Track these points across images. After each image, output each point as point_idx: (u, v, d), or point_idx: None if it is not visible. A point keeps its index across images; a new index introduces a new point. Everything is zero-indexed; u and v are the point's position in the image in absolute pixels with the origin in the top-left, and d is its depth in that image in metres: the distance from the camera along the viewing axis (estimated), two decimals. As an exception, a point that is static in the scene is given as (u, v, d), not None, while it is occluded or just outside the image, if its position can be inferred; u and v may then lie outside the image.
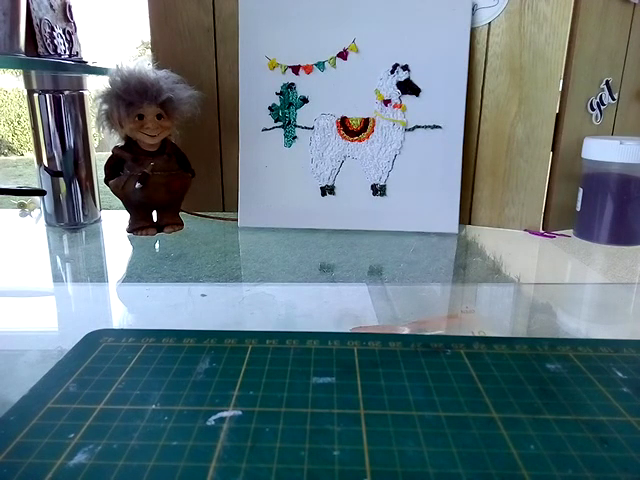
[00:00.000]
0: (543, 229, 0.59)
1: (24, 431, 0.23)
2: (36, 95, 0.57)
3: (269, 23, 0.58)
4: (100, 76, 0.58)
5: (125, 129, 0.53)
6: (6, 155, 6.27)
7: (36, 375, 0.27)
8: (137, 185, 0.53)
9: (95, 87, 0.57)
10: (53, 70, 0.56)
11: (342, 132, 0.59)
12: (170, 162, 0.56)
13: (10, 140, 6.41)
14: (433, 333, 0.34)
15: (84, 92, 0.59)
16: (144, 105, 0.52)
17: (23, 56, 0.53)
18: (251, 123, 0.60)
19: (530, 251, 0.56)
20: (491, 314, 0.38)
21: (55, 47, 0.60)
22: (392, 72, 0.57)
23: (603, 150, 0.53)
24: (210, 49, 0.62)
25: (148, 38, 0.62)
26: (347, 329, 0.34)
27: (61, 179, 0.59)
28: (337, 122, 0.59)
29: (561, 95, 0.56)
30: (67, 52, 0.63)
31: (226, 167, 0.65)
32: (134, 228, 0.56)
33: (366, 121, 0.58)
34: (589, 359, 0.29)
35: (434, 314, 0.38)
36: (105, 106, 0.53)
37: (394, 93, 0.58)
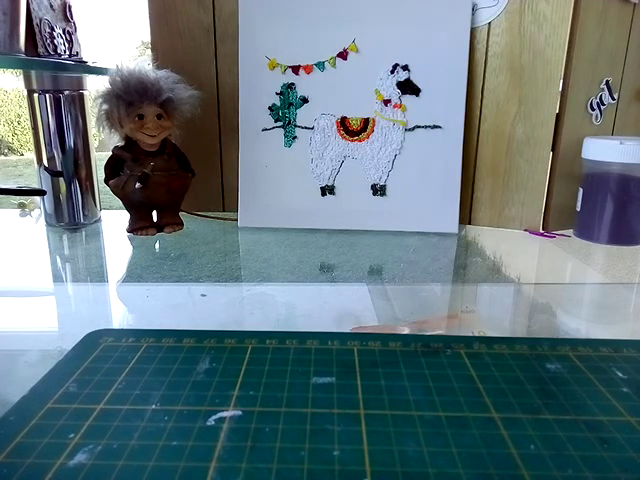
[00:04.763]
0: (543, 229, 0.59)
1: (24, 431, 0.23)
2: (36, 95, 0.57)
3: (269, 23, 0.58)
4: (100, 76, 0.58)
5: (125, 129, 0.53)
6: (6, 155, 6.27)
7: (36, 375, 0.27)
8: (137, 185, 0.53)
9: (95, 87, 0.57)
10: (53, 70, 0.56)
11: (342, 132, 0.59)
12: (170, 162, 0.56)
13: (10, 140, 6.41)
14: (433, 333, 0.34)
15: (84, 92, 0.59)
16: (144, 105, 0.52)
17: (23, 56, 0.53)
18: (251, 123, 0.60)
19: (530, 251, 0.56)
20: (491, 314, 0.38)
21: (55, 47, 0.60)
22: (392, 72, 0.57)
23: (603, 150, 0.53)
24: (210, 49, 0.62)
25: (148, 38, 0.62)
26: (347, 329, 0.34)
27: (61, 179, 0.59)
28: (337, 122, 0.59)
29: (561, 95, 0.56)
30: (67, 52, 0.63)
31: (226, 167, 0.65)
32: (134, 228, 0.56)
33: (366, 121, 0.58)
34: (589, 359, 0.29)
35: (434, 314, 0.38)
36: (105, 106, 0.53)
37: (394, 93, 0.58)
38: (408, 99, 0.58)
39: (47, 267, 0.50)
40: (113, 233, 0.60)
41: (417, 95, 0.58)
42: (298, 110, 0.59)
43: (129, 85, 0.51)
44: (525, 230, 0.60)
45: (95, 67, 0.58)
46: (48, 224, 0.62)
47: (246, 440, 0.22)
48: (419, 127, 0.58)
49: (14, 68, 0.62)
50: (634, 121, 0.62)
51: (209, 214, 0.64)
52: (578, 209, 0.56)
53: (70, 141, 0.59)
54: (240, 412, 0.24)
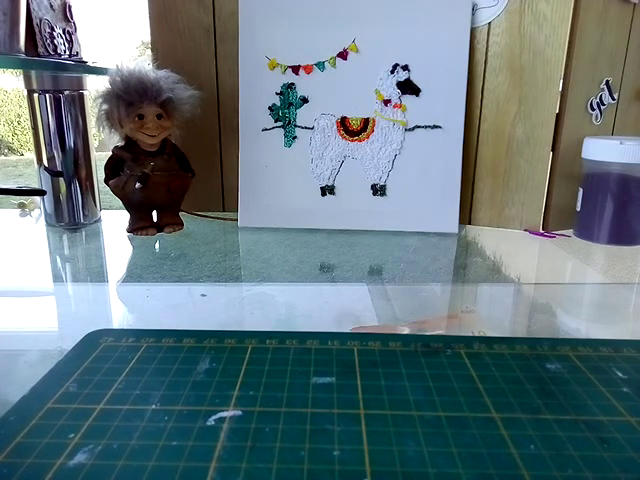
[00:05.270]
0: (543, 229, 0.59)
1: (24, 431, 0.23)
2: (36, 95, 0.57)
3: (269, 23, 0.58)
4: (100, 76, 0.58)
5: (125, 129, 0.53)
6: (6, 155, 6.27)
7: (36, 375, 0.27)
8: (137, 185, 0.53)
9: (95, 87, 0.57)
10: (53, 70, 0.56)
11: (342, 132, 0.59)
12: (170, 162, 0.56)
13: (10, 140, 6.41)
14: (433, 333, 0.34)
15: (84, 92, 0.59)
16: (144, 105, 0.52)
17: (23, 56, 0.53)
18: (251, 123, 0.60)
19: (530, 251, 0.56)
20: (491, 314, 0.38)
21: (55, 47, 0.60)
22: (392, 72, 0.57)
23: (603, 150, 0.53)
24: (210, 49, 0.62)
25: (148, 38, 0.62)
26: (347, 329, 0.34)
27: (61, 179, 0.59)
28: (337, 122, 0.59)
29: (561, 95, 0.56)
30: (67, 52, 0.63)
31: (226, 167, 0.65)
32: (134, 228, 0.56)
33: (366, 121, 0.58)
34: (589, 359, 0.29)
35: (434, 314, 0.38)
36: (105, 106, 0.53)
37: (394, 93, 0.58)
38: (408, 99, 0.58)
39: (47, 267, 0.50)
40: (113, 233, 0.60)
41: (417, 95, 0.58)
42: (298, 110, 0.59)
43: (129, 85, 0.51)
44: (525, 230, 0.60)
45: (95, 67, 0.58)
46: (48, 224, 0.62)
47: (246, 440, 0.22)
48: (419, 127, 0.58)
49: (14, 68, 0.62)
50: (634, 121, 0.62)
51: (209, 214, 0.64)
52: (578, 209, 0.56)
53: (70, 141, 0.59)
54: (240, 412, 0.24)
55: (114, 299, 0.42)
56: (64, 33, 0.62)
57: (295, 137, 0.60)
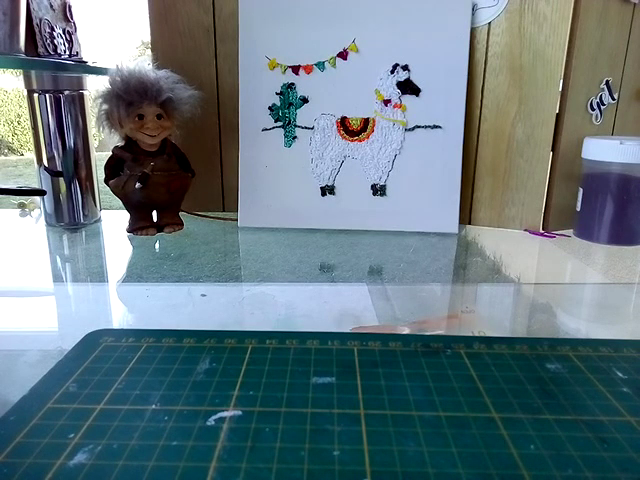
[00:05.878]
0: (543, 229, 0.59)
1: (24, 431, 0.23)
2: (36, 95, 0.57)
3: (269, 23, 0.58)
4: (100, 76, 0.58)
5: (125, 129, 0.53)
6: (6, 155, 6.27)
7: (36, 375, 0.27)
8: (137, 185, 0.53)
9: (95, 87, 0.57)
10: (53, 70, 0.56)
11: (342, 132, 0.59)
12: (170, 162, 0.56)
13: (10, 140, 6.41)
14: (433, 333, 0.34)
15: (84, 92, 0.59)
16: (144, 105, 0.52)
17: (23, 56, 0.53)
18: (251, 123, 0.60)
19: (530, 251, 0.55)
20: (491, 314, 0.38)
21: (55, 47, 0.60)
22: (392, 72, 0.57)
23: (603, 150, 0.53)
24: (210, 49, 0.62)
25: (148, 38, 0.62)
26: (347, 329, 0.34)
27: (61, 179, 0.59)
28: (337, 122, 0.59)
29: (561, 95, 0.56)
30: (67, 52, 0.63)
31: (226, 167, 0.65)
32: (134, 228, 0.56)
33: (366, 121, 0.58)
34: (589, 359, 0.29)
35: (434, 314, 0.38)
36: (105, 106, 0.53)
37: (394, 93, 0.58)
38: (408, 99, 0.58)
39: (47, 267, 0.50)
40: (113, 233, 0.60)
41: (417, 95, 0.58)
42: (298, 110, 0.59)
43: (129, 85, 0.51)
44: (525, 230, 0.60)
45: (95, 67, 0.58)
46: (48, 224, 0.62)
47: (246, 440, 0.22)
48: (419, 127, 0.58)
49: (14, 68, 0.62)
50: (634, 121, 0.62)
51: (209, 214, 0.64)
52: (578, 209, 0.56)
53: (70, 141, 0.59)
54: (240, 412, 0.24)
55: (114, 299, 0.42)
56: (64, 33, 0.62)
57: (295, 137, 0.60)
